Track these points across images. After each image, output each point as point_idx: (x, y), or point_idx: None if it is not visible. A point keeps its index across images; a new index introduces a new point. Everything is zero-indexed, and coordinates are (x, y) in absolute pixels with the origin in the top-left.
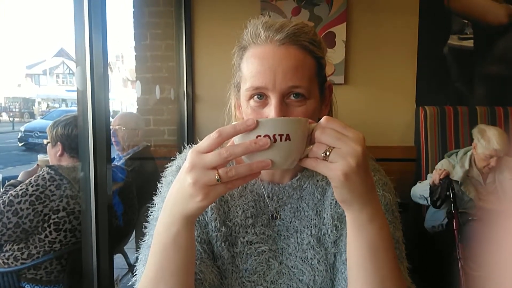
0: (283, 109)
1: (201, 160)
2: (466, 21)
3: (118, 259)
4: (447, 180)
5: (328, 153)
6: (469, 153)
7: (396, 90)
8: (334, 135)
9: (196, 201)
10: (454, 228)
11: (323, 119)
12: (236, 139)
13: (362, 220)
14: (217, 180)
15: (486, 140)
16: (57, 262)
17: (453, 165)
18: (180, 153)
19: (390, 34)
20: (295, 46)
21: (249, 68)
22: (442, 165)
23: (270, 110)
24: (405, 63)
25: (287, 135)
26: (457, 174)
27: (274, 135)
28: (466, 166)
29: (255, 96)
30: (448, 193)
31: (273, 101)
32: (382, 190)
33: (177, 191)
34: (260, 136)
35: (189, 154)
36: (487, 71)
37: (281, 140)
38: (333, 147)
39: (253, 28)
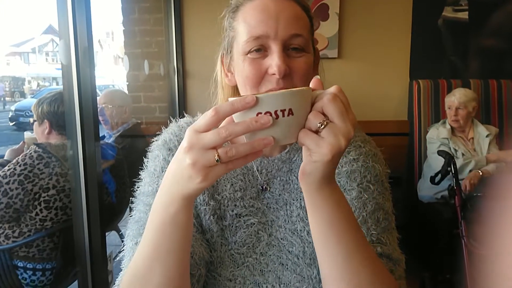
0: (285, 57)
1: (199, 140)
2: None
3: (112, 236)
4: (447, 155)
5: (323, 126)
6: (446, 120)
7: (390, 64)
8: (341, 109)
9: (196, 182)
10: (457, 205)
11: (334, 88)
12: (234, 117)
13: (321, 198)
14: (217, 161)
15: (449, 95)
16: (49, 240)
17: (437, 128)
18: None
19: (384, 6)
20: (292, 1)
21: (248, 21)
22: (431, 134)
23: (273, 59)
24: (400, 36)
25: (290, 109)
26: (442, 133)
27: (276, 111)
28: (448, 126)
29: (254, 50)
30: (449, 168)
31: (275, 49)
32: (372, 161)
33: (175, 171)
34: (260, 113)
35: (186, 133)
36: (482, 44)
37: (283, 116)
38: (330, 121)
39: None
